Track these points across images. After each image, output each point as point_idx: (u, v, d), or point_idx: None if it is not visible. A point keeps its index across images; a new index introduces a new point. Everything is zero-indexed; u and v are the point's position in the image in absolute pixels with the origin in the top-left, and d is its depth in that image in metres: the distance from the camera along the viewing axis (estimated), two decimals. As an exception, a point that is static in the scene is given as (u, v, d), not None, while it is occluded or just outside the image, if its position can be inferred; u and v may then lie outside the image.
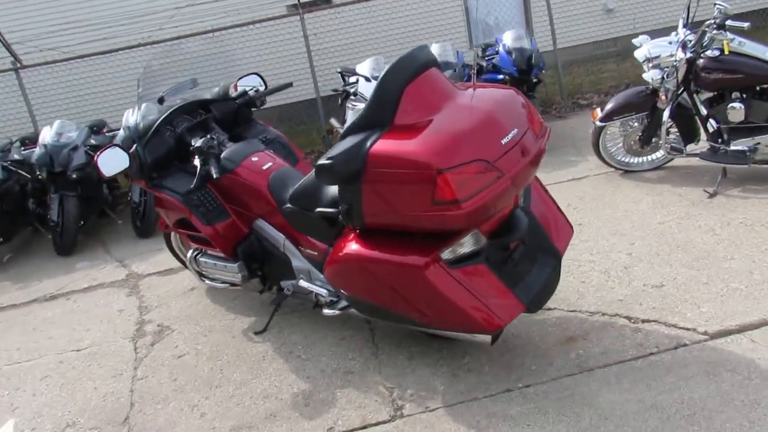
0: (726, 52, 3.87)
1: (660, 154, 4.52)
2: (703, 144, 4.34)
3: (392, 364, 2.89)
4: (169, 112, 3.39)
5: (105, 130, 6.24)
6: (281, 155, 3.48)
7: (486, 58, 5.93)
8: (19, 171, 5.55)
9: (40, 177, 5.34)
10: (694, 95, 4.16)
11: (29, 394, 3.23)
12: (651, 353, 2.62)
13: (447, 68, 5.62)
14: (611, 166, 4.72)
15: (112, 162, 3.22)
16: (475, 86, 2.54)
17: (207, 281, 3.62)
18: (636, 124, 4.53)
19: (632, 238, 3.66)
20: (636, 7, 8.28)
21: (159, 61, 3.78)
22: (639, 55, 4.37)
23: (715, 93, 4.11)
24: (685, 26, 4.14)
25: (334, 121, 4.89)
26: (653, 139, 4.46)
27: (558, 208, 2.84)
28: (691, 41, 4.05)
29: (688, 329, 2.73)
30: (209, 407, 2.83)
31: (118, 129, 5.63)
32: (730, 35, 3.90)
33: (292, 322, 3.43)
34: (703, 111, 4.16)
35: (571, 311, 3.03)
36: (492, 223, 2.49)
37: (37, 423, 2.96)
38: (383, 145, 2.30)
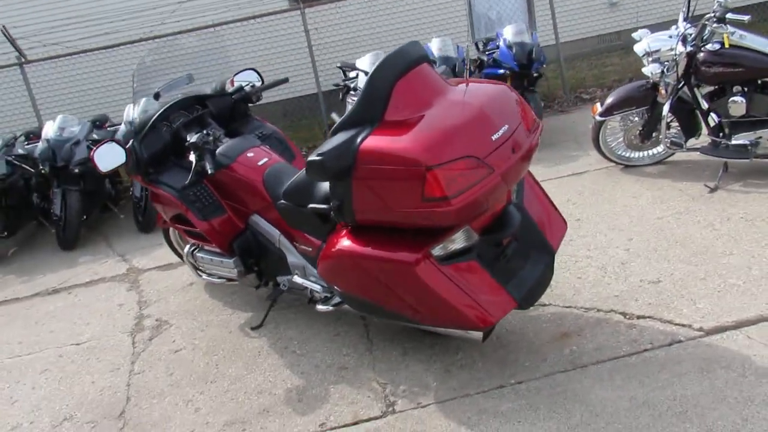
0: (726, 46, 3.83)
1: (661, 148, 4.48)
2: (704, 138, 4.30)
3: (386, 359, 2.89)
4: (165, 107, 3.40)
5: (107, 125, 6.26)
6: (278, 151, 3.48)
7: (487, 53, 5.90)
8: (23, 165, 5.59)
9: (42, 171, 5.38)
10: (695, 89, 4.12)
11: (29, 387, 3.27)
12: (645, 350, 2.60)
13: (447, 63, 5.61)
14: (611, 160, 4.69)
15: (109, 157, 3.23)
16: (467, 82, 2.53)
17: (204, 276, 3.64)
18: (636, 118, 4.50)
19: (630, 234, 3.64)
20: (640, 0, 8.19)
21: (154, 56, 3.78)
22: (638, 49, 4.33)
23: (716, 87, 4.06)
24: (685, 20, 4.10)
25: (335, 116, 4.90)
26: (654, 134, 4.43)
27: (552, 203, 2.83)
28: (691, 35, 4.01)
29: (683, 325, 2.71)
30: (204, 402, 2.85)
31: (120, 124, 5.68)
32: (730, 28, 3.85)
33: (288, 317, 3.44)
34: (704, 105, 4.12)
35: (567, 307, 3.02)
36: (484, 220, 2.48)
37: (36, 416, 2.99)
38: (373, 141, 2.30)
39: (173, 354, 3.31)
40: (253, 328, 3.39)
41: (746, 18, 3.80)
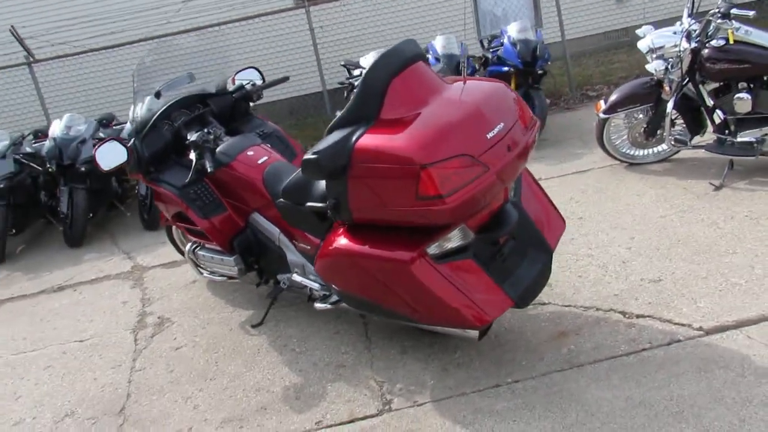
0: (731, 42, 3.78)
1: (665, 146, 4.44)
2: (709, 136, 4.26)
3: (384, 358, 2.90)
4: (166, 106, 3.42)
5: (114, 123, 6.31)
6: (278, 149, 3.49)
7: (491, 50, 5.87)
8: (31, 164, 5.65)
9: (49, 170, 5.43)
10: (700, 86, 4.08)
11: (32, 383, 3.30)
12: (643, 349, 2.59)
13: (451, 60, 5.60)
14: (616, 158, 4.65)
15: (110, 156, 3.26)
16: (465, 80, 2.52)
17: (205, 274, 3.66)
18: (641, 115, 4.46)
19: (633, 232, 3.61)
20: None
21: (153, 56, 3.80)
22: (642, 45, 4.29)
23: (721, 83, 4.02)
24: (690, 15, 4.05)
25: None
26: (658, 131, 4.39)
27: (550, 202, 2.82)
28: (695, 31, 3.97)
29: (683, 325, 2.69)
30: (203, 399, 2.87)
31: (127, 122, 5.72)
32: (735, 24, 3.81)
33: (288, 315, 3.45)
34: (709, 102, 4.08)
35: (566, 306, 3.01)
36: (481, 218, 2.47)
37: (38, 412, 3.03)
38: (368, 139, 2.29)
39: (174, 351, 3.33)
40: (253, 326, 3.41)
41: (751, 14, 3.76)
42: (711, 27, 3.92)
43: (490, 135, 2.26)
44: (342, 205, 2.42)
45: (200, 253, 3.53)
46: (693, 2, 4.06)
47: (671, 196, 4.00)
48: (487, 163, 2.21)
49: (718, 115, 4.07)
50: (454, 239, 2.39)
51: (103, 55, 6.97)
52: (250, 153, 3.29)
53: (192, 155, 3.23)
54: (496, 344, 2.82)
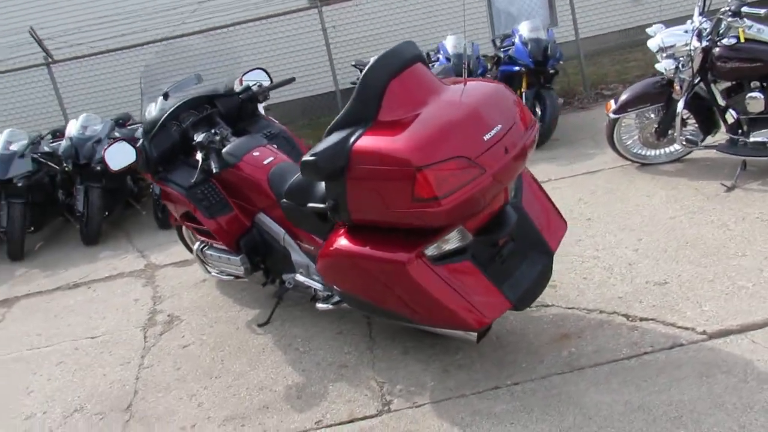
0: (742, 40, 3.72)
1: (677, 146, 4.39)
2: (721, 136, 4.20)
3: (386, 358, 2.91)
4: (174, 106, 3.46)
5: (129, 123, 6.41)
6: (285, 150, 3.51)
7: (503, 50, 5.84)
8: (48, 163, 5.75)
9: (66, 169, 5.53)
10: (712, 85, 4.02)
11: (45, 378, 3.38)
12: (645, 353, 2.57)
13: (463, 60, 5.58)
14: (627, 159, 4.61)
15: (120, 156, 3.32)
16: (465, 81, 2.52)
17: (213, 273, 3.70)
18: (652, 115, 4.41)
19: (641, 234, 3.58)
20: (663, -6, 8.01)
21: (160, 58, 3.86)
22: (652, 44, 4.24)
23: (734, 82, 3.96)
24: (701, 14, 3.99)
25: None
26: (669, 132, 4.33)
27: (552, 203, 2.80)
28: (706, 29, 3.91)
29: (686, 328, 2.66)
30: (207, 397, 2.91)
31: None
32: (747, 22, 3.74)
33: (294, 314, 3.48)
34: (721, 101, 4.02)
35: (569, 308, 2.99)
36: (480, 220, 2.47)
37: (49, 407, 3.10)
38: (366, 141, 2.31)
39: (182, 349, 3.38)
40: (259, 325, 3.44)
41: (763, 11, 3.68)
42: (722, 25, 3.86)
43: (487, 137, 2.25)
44: (341, 206, 2.44)
45: (208, 252, 3.57)
46: (704, 0, 4.00)
47: (682, 197, 3.95)
48: (483, 165, 2.21)
49: (731, 115, 4.01)
50: (452, 241, 2.39)
51: (119, 56, 7.08)
52: (255, 153, 3.32)
53: (198, 156, 3.27)
54: (498, 346, 2.82)
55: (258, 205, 3.29)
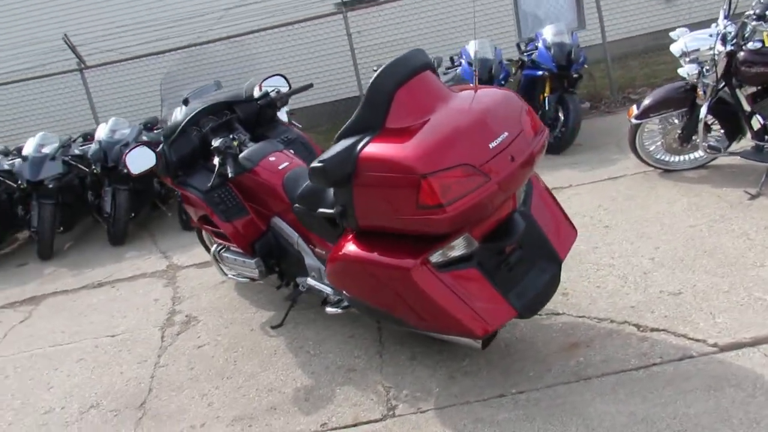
0: (767, 44, 3.63)
1: (701, 152, 4.29)
2: (747, 142, 4.09)
3: (394, 363, 2.92)
4: (195, 112, 3.54)
5: (157, 127, 6.54)
6: (301, 155, 3.55)
7: (526, 53, 5.80)
8: (79, 165, 5.93)
9: (94, 171, 5.69)
10: (737, 90, 3.93)
11: (65, 374, 3.49)
12: (654, 364, 2.52)
13: (485, 65, 5.57)
14: (650, 165, 4.53)
15: (140, 160, 3.41)
16: (476, 89, 2.52)
17: (230, 275, 3.77)
18: (676, 120, 4.33)
19: (658, 242, 3.52)
20: (696, -3, 7.85)
21: (182, 65, 3.95)
22: (675, 49, 4.16)
23: (759, 88, 3.86)
24: (726, 17, 3.90)
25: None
26: (693, 137, 4.24)
27: (562, 211, 2.78)
28: (731, 33, 3.82)
29: (697, 340, 2.61)
30: (217, 397, 2.97)
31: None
32: (773, 26, 3.66)
33: (308, 317, 3.52)
34: (747, 107, 3.92)
35: (580, 317, 2.96)
36: (487, 227, 2.47)
37: (67, 402, 3.19)
38: (373, 148, 2.33)
39: (197, 349, 3.45)
40: (273, 327, 3.49)
41: (789, 16, 3.60)
42: (747, 29, 3.77)
43: (492, 144, 2.25)
44: (348, 212, 2.47)
45: (224, 254, 3.64)
46: (730, 3, 3.91)
47: (704, 204, 3.87)
48: (488, 172, 2.21)
49: (757, 120, 3.91)
50: (457, 248, 2.39)
51: (148, 61, 7.25)
52: (272, 159, 3.37)
53: (215, 160, 3.34)
54: (506, 353, 2.81)
55: (273, 209, 3.34)
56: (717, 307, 2.81)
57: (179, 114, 3.62)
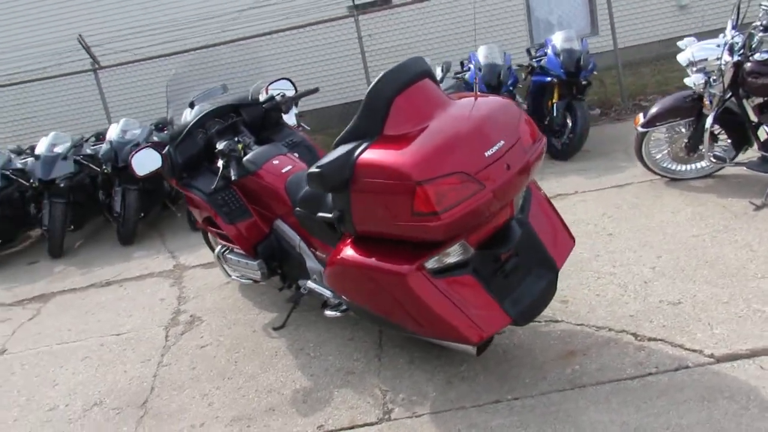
0: (774, 55, 3.62)
1: (707, 162, 4.27)
2: (753, 153, 4.07)
3: (392, 367, 2.95)
4: (201, 115, 3.59)
5: (167, 128, 6.62)
6: (306, 159, 3.59)
7: (535, 59, 5.80)
8: (90, 165, 6.02)
9: (105, 171, 5.78)
10: (744, 101, 3.91)
11: (70, 372, 3.54)
12: (649, 373, 2.52)
13: (494, 70, 5.58)
14: (656, 173, 4.51)
15: (146, 162, 3.47)
16: (476, 96, 2.54)
17: (233, 276, 3.81)
18: (683, 129, 4.31)
19: (660, 251, 3.51)
20: (710, 4, 7.78)
21: (188, 67, 4.00)
22: (682, 58, 4.15)
23: (766, 98, 3.84)
24: (734, 27, 3.89)
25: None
26: (700, 147, 4.22)
27: (560, 219, 2.78)
28: (738, 43, 3.81)
29: (693, 351, 2.61)
30: (218, 397, 3.01)
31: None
32: (779, 37, 3.64)
33: (309, 319, 3.55)
34: (754, 118, 3.91)
35: (578, 325, 2.96)
36: (484, 234, 2.48)
37: (71, 400, 3.25)
38: (370, 154, 2.36)
39: (199, 349, 3.50)
40: (275, 329, 3.53)
41: (796, 27, 3.58)
42: (754, 40, 3.76)
43: (488, 153, 2.27)
44: (346, 217, 2.50)
45: (228, 256, 3.68)
46: (738, 14, 3.89)
47: (708, 214, 3.86)
48: (483, 180, 2.23)
49: (764, 131, 3.90)
50: (453, 254, 2.41)
51: (162, 62, 7.35)
52: (275, 162, 3.41)
53: (219, 163, 3.38)
54: (503, 359, 2.82)
55: (276, 212, 3.38)
56: (715, 317, 2.80)
57: (188, 116, 3.68)
